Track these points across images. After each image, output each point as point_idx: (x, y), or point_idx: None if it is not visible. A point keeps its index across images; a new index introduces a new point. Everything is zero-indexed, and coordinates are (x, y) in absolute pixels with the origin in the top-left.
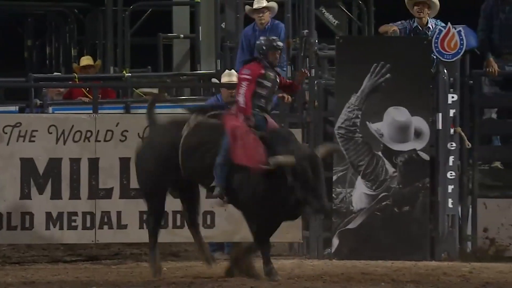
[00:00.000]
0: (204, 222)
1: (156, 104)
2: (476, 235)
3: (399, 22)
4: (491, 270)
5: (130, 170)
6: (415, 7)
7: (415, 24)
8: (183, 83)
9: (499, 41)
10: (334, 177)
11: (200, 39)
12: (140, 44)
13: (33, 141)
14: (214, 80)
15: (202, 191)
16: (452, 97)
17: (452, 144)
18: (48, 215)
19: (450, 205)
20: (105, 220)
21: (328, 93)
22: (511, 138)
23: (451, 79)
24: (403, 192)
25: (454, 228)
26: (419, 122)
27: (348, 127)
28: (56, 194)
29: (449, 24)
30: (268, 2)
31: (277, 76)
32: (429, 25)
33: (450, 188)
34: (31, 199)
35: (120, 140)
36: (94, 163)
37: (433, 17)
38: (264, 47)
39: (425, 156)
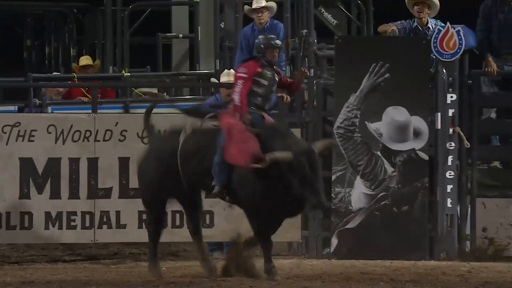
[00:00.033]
0: (203, 222)
1: (156, 104)
2: (475, 235)
3: (399, 22)
4: (490, 269)
5: (129, 170)
6: (415, 7)
7: (415, 24)
8: (182, 82)
9: (498, 41)
10: (333, 177)
11: (199, 39)
12: (139, 44)
13: (32, 140)
14: (213, 79)
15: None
16: (451, 97)
17: (451, 144)
18: (47, 214)
19: (449, 205)
20: (104, 219)
21: (327, 93)
22: (510, 138)
23: (450, 79)
24: (402, 192)
25: (453, 228)
26: (418, 122)
27: (347, 126)
28: (55, 194)
29: (448, 24)
30: (267, 2)
31: (277, 74)
32: (429, 25)
33: (449, 187)
34: (30, 198)
35: (119, 139)
36: (93, 163)
37: (433, 17)
38: (262, 45)
39: (424, 156)
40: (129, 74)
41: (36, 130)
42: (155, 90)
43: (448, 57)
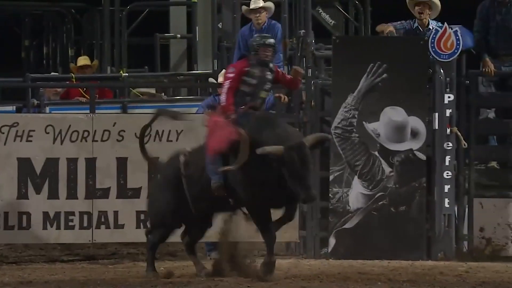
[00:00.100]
0: None
1: (153, 104)
2: (473, 235)
3: (399, 22)
4: (488, 269)
5: (127, 170)
6: (416, 8)
7: (416, 24)
8: (180, 83)
9: (495, 42)
10: (331, 177)
11: (197, 39)
12: (137, 44)
13: (30, 141)
14: (211, 80)
15: None
16: (449, 97)
17: (448, 144)
18: (45, 214)
19: (446, 205)
20: (102, 220)
21: (325, 93)
22: (508, 138)
23: (448, 79)
24: (399, 192)
25: (451, 228)
26: (415, 122)
27: (344, 127)
28: (53, 194)
29: (445, 24)
30: (264, 2)
31: (272, 73)
32: (430, 26)
33: (447, 187)
34: (28, 199)
35: (117, 140)
36: (91, 163)
37: (434, 19)
38: (255, 44)
39: (422, 156)
40: (127, 74)
41: (34, 130)
42: (153, 91)
43: (446, 57)
